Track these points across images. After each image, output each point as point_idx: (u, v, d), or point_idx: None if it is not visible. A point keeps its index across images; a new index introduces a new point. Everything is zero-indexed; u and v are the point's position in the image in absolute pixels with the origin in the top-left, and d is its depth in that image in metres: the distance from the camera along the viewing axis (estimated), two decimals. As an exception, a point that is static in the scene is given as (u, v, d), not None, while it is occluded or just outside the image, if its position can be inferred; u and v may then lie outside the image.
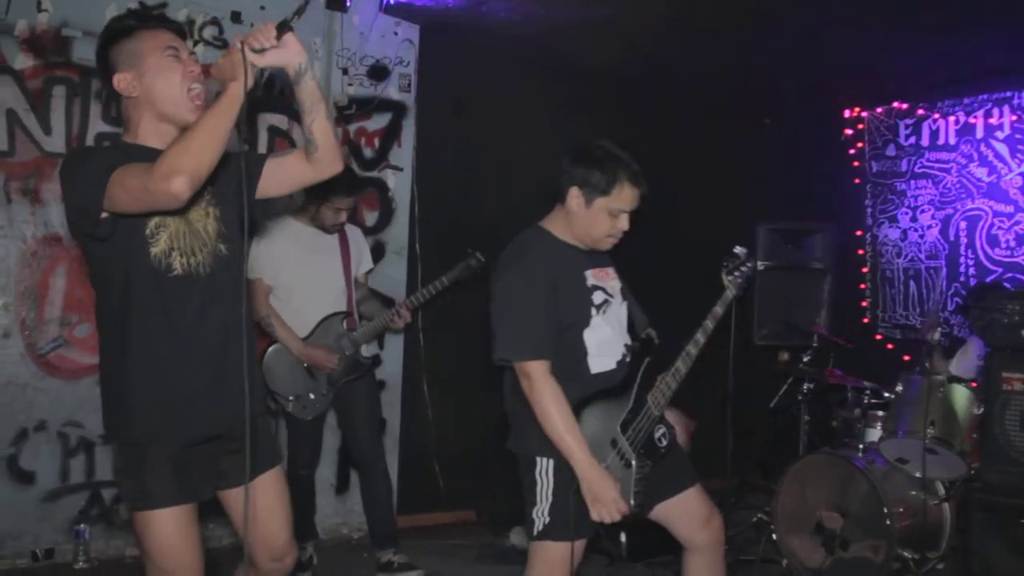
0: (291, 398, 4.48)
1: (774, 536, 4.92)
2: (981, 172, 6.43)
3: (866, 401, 5.10)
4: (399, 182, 5.65)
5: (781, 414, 5.91)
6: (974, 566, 3.81)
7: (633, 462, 2.90)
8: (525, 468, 2.95)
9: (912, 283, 6.82)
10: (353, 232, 4.76)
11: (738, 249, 3.26)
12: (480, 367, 5.85)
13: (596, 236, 2.97)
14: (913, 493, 4.71)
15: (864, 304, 7.04)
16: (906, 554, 4.51)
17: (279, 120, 5.24)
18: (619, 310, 3.08)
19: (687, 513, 3.06)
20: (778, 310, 6.35)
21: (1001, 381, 3.87)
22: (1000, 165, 6.33)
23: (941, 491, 4.81)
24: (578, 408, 2.87)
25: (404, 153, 5.66)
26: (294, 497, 4.69)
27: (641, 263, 6.19)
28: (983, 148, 6.42)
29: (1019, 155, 6.23)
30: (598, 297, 2.99)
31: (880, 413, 5.03)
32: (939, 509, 4.77)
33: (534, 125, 6.12)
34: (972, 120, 6.48)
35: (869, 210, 7.07)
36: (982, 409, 4.32)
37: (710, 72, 6.39)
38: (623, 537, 2.91)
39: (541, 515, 2.89)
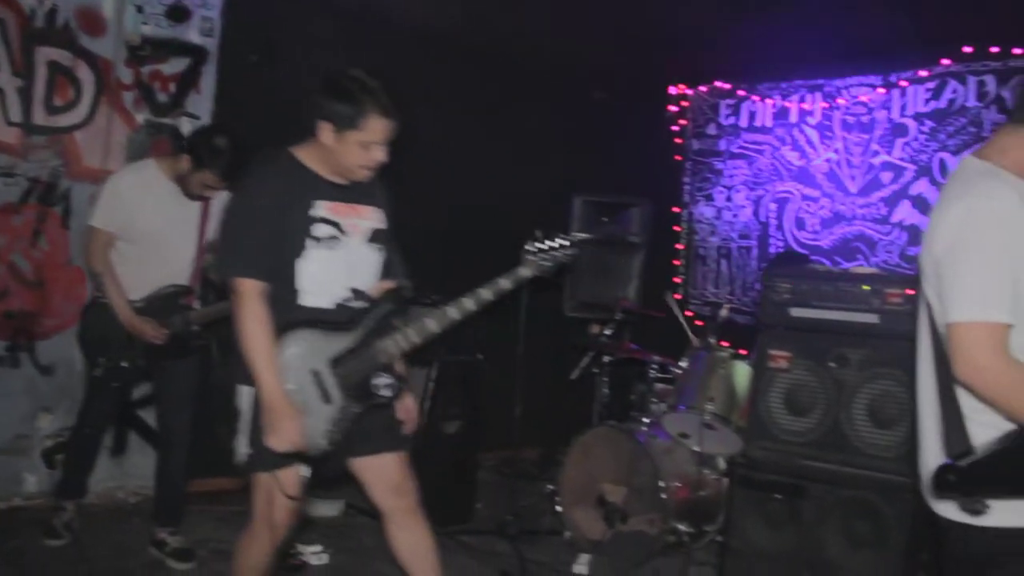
0: (101, 360, 4.16)
1: (559, 508, 4.91)
2: (792, 156, 6.56)
3: (653, 375, 5.13)
4: (197, 131, 5.34)
5: (585, 386, 5.90)
6: (733, 540, 3.85)
7: (335, 400, 2.85)
8: (235, 397, 2.90)
9: (724, 261, 6.92)
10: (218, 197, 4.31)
11: (560, 236, 3.00)
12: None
13: (348, 166, 2.89)
14: (694, 468, 4.77)
15: (677, 280, 7.12)
16: (681, 527, 4.56)
17: (61, 56, 4.85)
18: (357, 251, 2.98)
19: (381, 476, 3.05)
20: (590, 282, 6.35)
21: (768, 358, 3.91)
22: (810, 150, 6.47)
23: (722, 466, 4.90)
24: (285, 329, 2.81)
25: (203, 101, 5.34)
26: (71, 453, 4.49)
27: (455, 228, 6.17)
28: (796, 132, 6.55)
29: (827, 141, 6.37)
30: (322, 230, 2.88)
31: (672, 388, 5.08)
32: (718, 484, 4.85)
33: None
34: (788, 104, 6.59)
35: (687, 187, 7.15)
36: (756, 386, 4.38)
37: (542, 42, 6.29)
38: (303, 471, 2.86)
39: (243, 446, 2.87)
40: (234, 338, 2.86)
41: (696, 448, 4.68)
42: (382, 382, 2.90)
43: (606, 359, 5.50)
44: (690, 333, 5.45)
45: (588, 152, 7.02)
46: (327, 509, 5.03)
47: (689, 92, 7.16)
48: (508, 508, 5.03)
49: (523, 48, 6.46)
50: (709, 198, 7.02)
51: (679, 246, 7.15)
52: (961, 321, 2.05)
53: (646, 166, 7.05)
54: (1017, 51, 5.51)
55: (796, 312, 3.88)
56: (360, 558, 4.47)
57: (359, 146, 2.83)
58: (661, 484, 4.50)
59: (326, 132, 2.84)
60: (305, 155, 2.93)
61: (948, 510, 2.16)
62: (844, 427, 3.69)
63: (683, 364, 4.84)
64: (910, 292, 3.55)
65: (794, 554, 3.67)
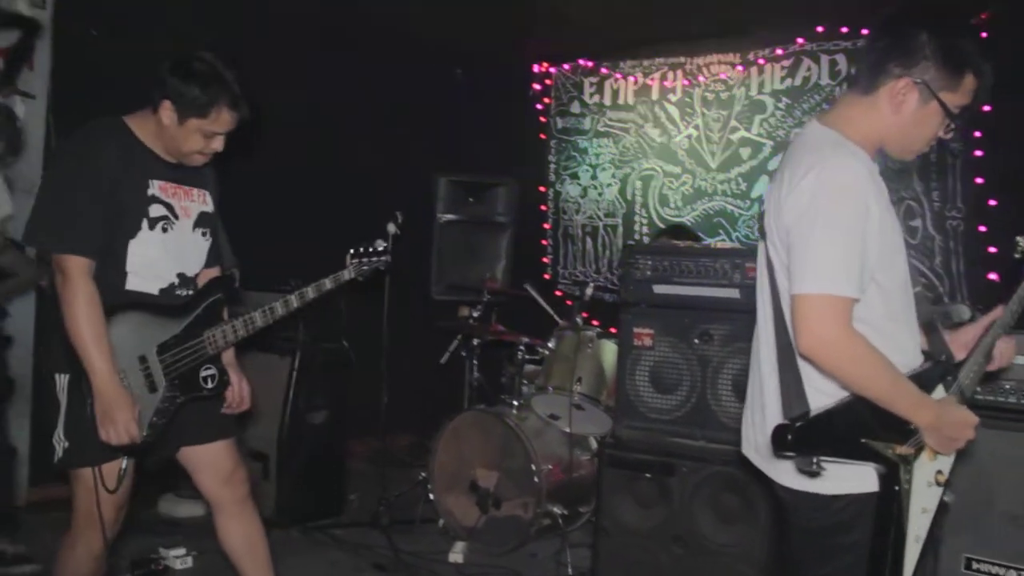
0: None
1: (431, 496, 4.82)
2: (655, 133, 6.59)
3: (521, 357, 5.06)
4: (31, 111, 4.95)
5: (455, 371, 5.81)
6: (603, 520, 3.83)
7: (160, 389, 2.74)
8: (49, 387, 2.73)
9: (589, 240, 6.93)
10: None
11: (379, 243, 3.13)
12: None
13: (185, 152, 2.80)
14: (565, 449, 4.74)
15: (545, 260, 7.10)
16: (556, 510, 4.53)
17: None
18: (188, 236, 2.89)
19: (211, 465, 2.97)
20: (458, 264, 6.26)
21: (633, 336, 3.89)
22: (671, 127, 6.51)
23: (594, 446, 4.89)
24: (113, 310, 2.66)
25: (37, 79, 4.96)
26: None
27: (311, 208, 5.96)
28: (657, 110, 6.58)
29: (687, 118, 6.43)
30: (156, 211, 2.77)
31: (541, 369, 5.03)
32: (590, 464, 4.84)
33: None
34: (649, 82, 6.62)
35: (553, 166, 7.10)
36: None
37: (401, 17, 6.11)
38: (124, 463, 2.76)
39: (60, 440, 2.70)
40: (49, 323, 2.71)
41: (566, 429, 4.65)
42: (208, 373, 2.85)
43: (475, 342, 5.42)
44: (554, 314, 5.42)
45: (454, 131, 6.92)
46: (191, 509, 4.78)
47: (552, 70, 7.11)
48: (381, 498, 4.91)
49: (384, 25, 6.28)
50: (575, 176, 6.99)
51: (546, 225, 7.12)
52: (809, 293, 2.01)
53: (511, 145, 6.99)
54: (865, 32, 5.65)
55: (659, 289, 3.87)
56: (227, 559, 4.25)
57: (200, 134, 2.74)
58: (533, 467, 4.46)
59: (167, 112, 2.72)
60: (139, 128, 2.78)
61: (788, 478, 2.15)
62: (710, 403, 3.71)
63: (551, 344, 4.79)
64: (771, 267, 3.58)
65: (666, 531, 3.67)
